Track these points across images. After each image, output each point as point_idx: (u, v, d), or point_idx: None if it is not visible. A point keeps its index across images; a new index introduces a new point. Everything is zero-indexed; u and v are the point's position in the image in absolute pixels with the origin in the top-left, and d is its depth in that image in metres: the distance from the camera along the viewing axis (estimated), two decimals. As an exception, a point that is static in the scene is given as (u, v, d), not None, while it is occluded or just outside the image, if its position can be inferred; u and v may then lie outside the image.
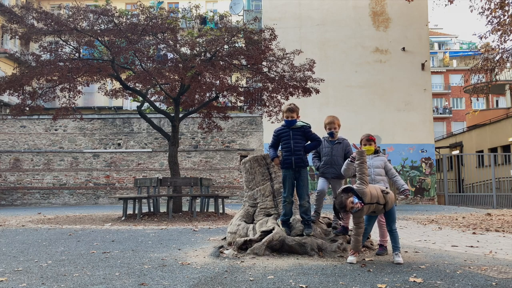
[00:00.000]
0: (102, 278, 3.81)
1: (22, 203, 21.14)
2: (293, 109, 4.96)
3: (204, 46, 11.63)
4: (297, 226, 4.95)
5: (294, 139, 4.92)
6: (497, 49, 15.71)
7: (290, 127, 4.96)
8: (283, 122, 5.13)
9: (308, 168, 5.09)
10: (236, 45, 12.03)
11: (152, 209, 11.52)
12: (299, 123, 4.98)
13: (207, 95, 13.08)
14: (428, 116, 20.62)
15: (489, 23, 14.33)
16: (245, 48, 11.87)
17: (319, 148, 5.26)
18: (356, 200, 4.21)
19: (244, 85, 13.54)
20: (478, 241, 6.16)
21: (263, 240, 4.79)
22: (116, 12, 11.09)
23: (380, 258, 4.70)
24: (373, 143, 4.94)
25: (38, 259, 4.83)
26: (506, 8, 13.63)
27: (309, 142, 4.99)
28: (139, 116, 15.42)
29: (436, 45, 50.95)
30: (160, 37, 11.68)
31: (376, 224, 5.05)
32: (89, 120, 21.67)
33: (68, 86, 11.96)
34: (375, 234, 5.73)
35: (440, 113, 46.29)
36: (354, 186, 4.33)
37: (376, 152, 4.97)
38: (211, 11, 26.67)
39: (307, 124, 5.01)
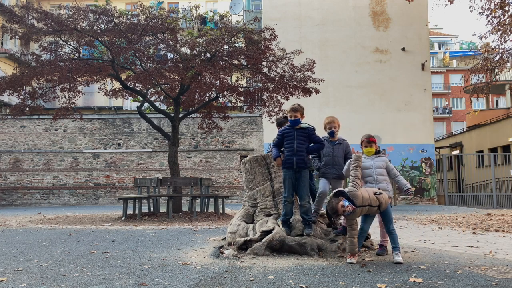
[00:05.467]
0: (102, 278, 3.81)
1: (22, 203, 21.14)
2: (296, 109, 4.98)
3: (204, 46, 11.62)
4: (297, 226, 4.94)
5: (298, 140, 4.92)
6: (497, 49, 15.71)
7: (295, 127, 4.97)
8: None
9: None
10: (236, 45, 12.02)
11: (152, 209, 11.51)
12: (304, 125, 4.99)
13: (207, 95, 13.07)
14: (428, 116, 20.63)
15: (489, 23, 14.33)
16: (245, 48, 11.86)
17: None
18: (347, 203, 4.23)
19: (244, 85, 13.53)
20: (478, 241, 6.16)
21: (263, 240, 4.79)
22: (116, 12, 11.08)
23: (380, 258, 4.70)
24: (374, 144, 4.94)
25: (38, 259, 4.83)
26: (506, 8, 13.63)
27: (312, 144, 5.00)
28: (139, 116, 15.41)
29: (436, 45, 50.93)
30: (160, 37, 11.68)
31: (376, 224, 5.05)
32: (89, 120, 21.67)
33: (68, 86, 11.96)
34: (375, 234, 5.73)
35: (440, 113, 46.27)
36: (346, 189, 4.35)
37: (377, 152, 4.98)
38: (211, 11, 26.66)
39: (312, 126, 5.03)
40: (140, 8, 11.34)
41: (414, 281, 3.57)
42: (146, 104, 14.38)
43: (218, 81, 11.95)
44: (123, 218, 10.34)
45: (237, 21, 13.87)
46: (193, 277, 3.81)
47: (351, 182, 4.42)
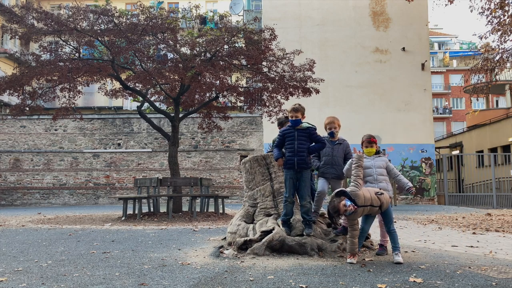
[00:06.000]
0: (102, 278, 3.81)
1: (22, 203, 21.14)
2: (297, 109, 4.96)
3: (204, 46, 11.62)
4: (298, 226, 4.94)
5: (299, 140, 4.91)
6: (497, 49, 15.70)
7: (295, 127, 4.96)
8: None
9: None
10: (236, 45, 12.02)
11: (152, 209, 11.51)
12: (305, 125, 4.98)
13: (207, 95, 13.07)
14: (428, 116, 20.62)
15: (489, 23, 14.33)
16: (245, 48, 11.86)
17: None
18: (349, 203, 4.23)
19: (244, 85, 13.53)
20: (478, 241, 6.16)
21: (263, 240, 4.79)
22: (116, 12, 11.08)
23: (380, 258, 4.70)
24: (375, 144, 4.95)
25: (38, 259, 4.83)
26: (506, 8, 13.62)
27: (313, 143, 4.99)
28: (139, 116, 15.41)
29: (436, 45, 50.93)
30: (160, 37, 11.68)
31: (376, 224, 5.05)
32: (89, 120, 21.67)
33: (68, 86, 11.96)
34: (375, 234, 5.73)
35: (440, 113, 46.27)
36: (348, 189, 4.35)
37: (377, 152, 4.98)
38: (211, 11, 26.65)
39: (313, 126, 5.02)
40: (140, 8, 11.34)
41: (414, 281, 3.57)
42: (146, 104, 14.38)
43: (218, 81, 11.95)
44: (123, 218, 10.34)
45: (237, 21, 13.87)
46: (193, 277, 3.81)
47: (353, 182, 4.41)
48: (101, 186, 21.24)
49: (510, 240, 6.30)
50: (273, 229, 4.90)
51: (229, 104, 15.10)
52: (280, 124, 5.91)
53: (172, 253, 5.17)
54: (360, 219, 4.62)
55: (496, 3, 13.77)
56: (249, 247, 4.82)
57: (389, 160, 5.28)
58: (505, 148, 22.73)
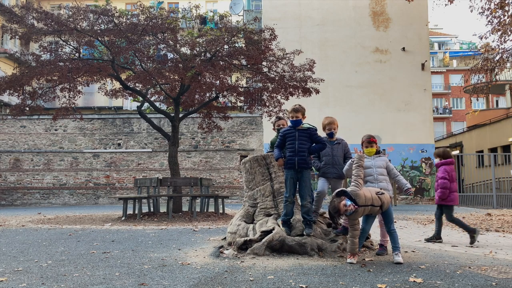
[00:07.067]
0: (102, 278, 3.81)
1: (22, 203, 21.14)
2: (297, 109, 4.96)
3: (204, 46, 11.62)
4: (298, 226, 4.95)
5: (299, 140, 4.91)
6: (497, 49, 15.70)
7: (296, 127, 4.96)
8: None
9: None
10: (236, 45, 12.02)
11: (152, 209, 11.51)
12: (305, 125, 4.98)
13: (207, 95, 13.08)
14: (428, 116, 20.64)
15: (489, 23, 14.33)
16: (245, 48, 11.86)
17: None
18: (349, 203, 4.22)
19: (244, 85, 13.53)
20: (478, 241, 6.15)
21: (263, 240, 4.79)
22: (116, 12, 11.08)
23: (380, 258, 4.70)
24: (375, 144, 4.95)
25: (38, 259, 4.83)
26: (506, 8, 13.62)
27: (314, 144, 4.99)
28: (139, 116, 15.42)
29: (436, 45, 50.92)
30: (160, 37, 11.68)
31: (376, 224, 5.05)
32: (89, 120, 21.68)
33: (68, 86, 11.97)
34: (375, 234, 5.73)
35: (440, 113, 46.26)
36: (348, 189, 4.34)
37: (378, 152, 4.99)
38: (211, 11, 26.64)
39: (314, 126, 5.02)
40: (140, 8, 11.34)
41: (414, 281, 3.57)
42: (146, 104, 14.38)
43: (218, 81, 11.95)
44: (123, 218, 10.34)
45: (237, 21, 13.86)
46: (193, 277, 3.81)
47: (353, 181, 4.41)
48: (101, 186, 21.24)
49: (510, 240, 6.30)
50: (273, 229, 4.90)
51: (229, 104, 15.10)
52: (274, 124, 5.98)
53: (172, 253, 5.17)
54: (360, 219, 4.62)
55: (496, 3, 13.76)
56: (249, 247, 4.82)
57: (389, 160, 5.29)
58: (505, 148, 22.73)
